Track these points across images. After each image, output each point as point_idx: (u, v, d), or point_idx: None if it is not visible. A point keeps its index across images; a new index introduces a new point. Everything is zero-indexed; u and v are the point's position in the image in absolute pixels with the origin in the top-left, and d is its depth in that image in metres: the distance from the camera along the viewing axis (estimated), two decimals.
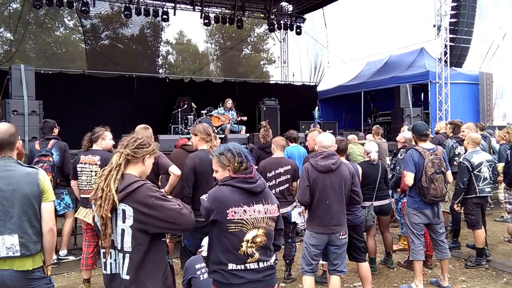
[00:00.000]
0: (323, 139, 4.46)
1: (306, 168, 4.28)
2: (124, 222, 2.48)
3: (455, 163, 6.64)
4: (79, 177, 5.17)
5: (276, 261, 2.95)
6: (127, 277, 2.49)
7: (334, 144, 4.51)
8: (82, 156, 5.18)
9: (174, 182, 4.53)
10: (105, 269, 2.60)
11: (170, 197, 2.70)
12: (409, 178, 5.07)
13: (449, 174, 5.19)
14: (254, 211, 2.75)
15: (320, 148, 4.41)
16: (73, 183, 5.36)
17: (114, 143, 5.44)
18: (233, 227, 2.72)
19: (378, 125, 8.95)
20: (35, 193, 2.90)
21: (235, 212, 2.71)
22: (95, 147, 5.22)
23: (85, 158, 5.13)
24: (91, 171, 5.04)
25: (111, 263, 2.57)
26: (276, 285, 2.91)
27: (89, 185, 5.04)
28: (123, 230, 2.49)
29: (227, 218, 2.71)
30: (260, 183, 2.80)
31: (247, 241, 2.73)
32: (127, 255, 2.49)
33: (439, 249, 5.21)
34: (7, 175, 2.86)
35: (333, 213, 4.19)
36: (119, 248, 2.51)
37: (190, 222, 2.60)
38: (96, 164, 5.03)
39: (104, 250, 2.56)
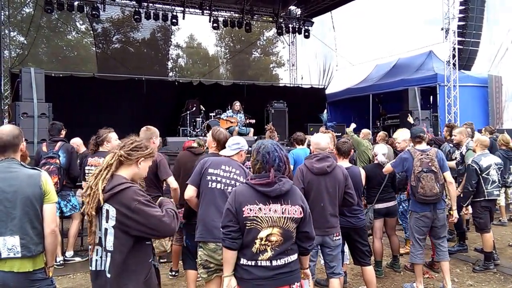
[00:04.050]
0: (320, 140, 4.42)
1: (301, 170, 4.22)
2: (107, 221, 2.54)
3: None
4: (86, 179, 5.19)
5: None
6: (109, 275, 2.54)
7: (329, 145, 4.49)
8: (89, 159, 5.26)
9: (176, 195, 4.56)
10: (91, 265, 2.65)
11: (169, 200, 2.74)
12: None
13: (446, 175, 5.12)
14: (270, 210, 2.76)
15: (316, 149, 4.37)
16: (84, 184, 5.39)
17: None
18: (249, 224, 2.76)
19: (385, 132, 9.02)
20: (37, 195, 2.91)
21: (250, 210, 2.75)
22: (101, 149, 5.25)
23: (92, 160, 5.20)
24: None
25: (96, 260, 2.62)
26: (298, 283, 2.88)
27: None
28: (106, 230, 2.55)
29: (243, 215, 2.76)
30: (277, 188, 2.76)
31: (261, 239, 2.75)
32: (109, 254, 2.55)
33: (436, 252, 5.23)
34: (10, 176, 2.88)
35: (327, 216, 4.15)
36: (103, 246, 2.57)
37: (170, 230, 2.62)
38: None
39: (91, 247, 2.63)
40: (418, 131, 5.27)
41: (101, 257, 2.59)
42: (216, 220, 3.71)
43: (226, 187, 3.77)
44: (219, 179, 3.80)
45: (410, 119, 11.00)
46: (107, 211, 2.53)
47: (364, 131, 8.85)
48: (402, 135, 6.18)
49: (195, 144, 5.79)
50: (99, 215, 2.57)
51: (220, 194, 3.76)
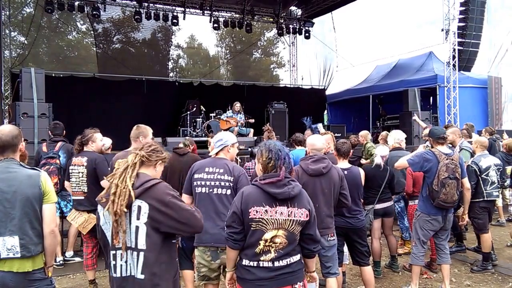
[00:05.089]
0: (315, 141, 4.42)
1: (296, 171, 4.17)
2: (138, 219, 2.47)
3: None
4: (70, 179, 5.20)
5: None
6: (142, 277, 2.46)
7: (325, 146, 4.50)
8: (73, 158, 5.23)
9: None
10: (114, 272, 2.55)
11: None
12: (400, 163, 5.23)
13: (465, 181, 5.11)
14: (276, 212, 2.76)
15: (312, 150, 4.37)
16: (66, 184, 5.39)
17: (105, 143, 5.47)
18: (254, 226, 2.77)
19: (387, 132, 8.99)
20: (36, 195, 2.91)
21: (256, 211, 2.76)
22: (86, 149, 5.24)
23: (75, 160, 5.16)
24: (79, 172, 5.08)
25: (121, 265, 2.53)
26: (300, 283, 2.88)
27: (78, 186, 5.08)
28: (137, 227, 2.47)
29: (249, 217, 2.76)
30: (285, 191, 2.77)
31: (266, 240, 2.76)
32: (142, 253, 2.47)
33: (439, 254, 5.19)
34: (9, 177, 2.88)
35: (322, 217, 4.14)
36: (133, 246, 2.48)
37: (201, 225, 2.62)
38: (83, 165, 5.06)
39: (114, 252, 2.53)
40: (442, 132, 5.11)
41: (126, 261, 2.51)
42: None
43: (211, 190, 3.77)
44: (203, 183, 3.80)
45: (419, 121, 10.93)
46: (139, 207, 2.48)
47: (363, 133, 8.75)
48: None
49: (181, 145, 5.80)
50: (127, 214, 2.49)
51: (206, 198, 3.77)
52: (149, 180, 2.54)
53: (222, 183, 3.77)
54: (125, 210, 2.45)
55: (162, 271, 2.52)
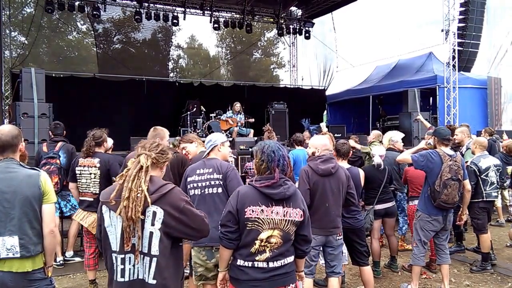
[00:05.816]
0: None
1: (306, 171, 4.24)
2: (153, 224, 2.40)
3: None
4: (78, 180, 5.14)
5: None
6: (154, 282, 2.41)
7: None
8: (81, 159, 5.15)
9: None
10: (122, 276, 2.45)
11: None
12: (403, 157, 5.27)
13: (466, 183, 5.12)
14: (272, 212, 2.76)
15: (324, 150, 4.40)
16: (71, 185, 5.32)
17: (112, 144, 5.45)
18: (250, 225, 2.77)
19: (380, 132, 8.95)
20: (36, 195, 2.91)
21: (252, 211, 2.75)
22: (97, 149, 5.18)
23: (84, 161, 5.10)
24: (90, 174, 5.03)
25: (129, 269, 2.45)
26: (293, 284, 2.89)
27: (89, 188, 5.06)
28: (151, 233, 2.41)
29: (245, 216, 2.76)
30: (281, 192, 2.77)
31: (261, 240, 2.76)
32: (154, 259, 2.41)
33: (439, 254, 5.19)
34: (9, 176, 2.88)
35: (332, 216, 4.21)
36: (145, 251, 2.41)
37: (208, 230, 2.62)
38: (95, 167, 5.02)
39: (123, 256, 2.44)
40: (448, 133, 5.09)
41: (134, 265, 2.43)
42: None
43: (203, 191, 3.83)
44: (195, 185, 3.86)
45: (423, 120, 10.79)
46: (154, 213, 2.40)
47: (375, 132, 8.62)
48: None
49: (170, 145, 5.79)
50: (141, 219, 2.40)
51: (200, 199, 3.82)
52: (164, 185, 2.49)
53: (213, 182, 3.82)
54: (141, 216, 2.38)
55: (171, 275, 2.48)
